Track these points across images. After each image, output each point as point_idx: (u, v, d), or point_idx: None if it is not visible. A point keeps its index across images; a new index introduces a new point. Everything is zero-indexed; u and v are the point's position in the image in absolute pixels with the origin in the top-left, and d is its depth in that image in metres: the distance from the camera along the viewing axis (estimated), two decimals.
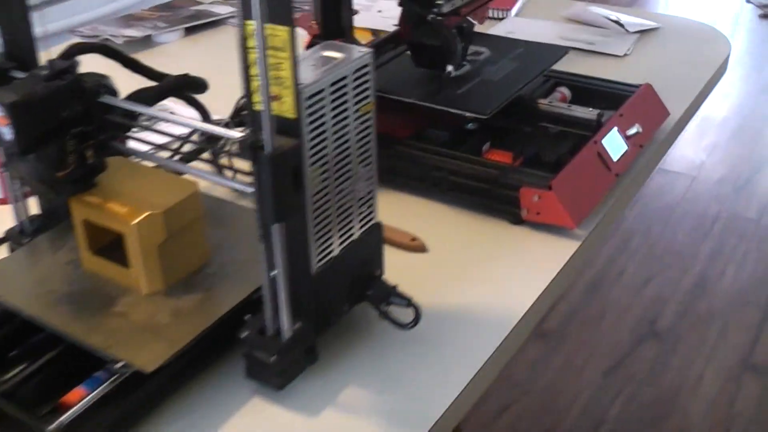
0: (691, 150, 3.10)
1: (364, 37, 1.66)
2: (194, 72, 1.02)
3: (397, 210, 1.14)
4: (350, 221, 0.87)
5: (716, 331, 2.33)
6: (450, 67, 1.08)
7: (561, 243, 1.07)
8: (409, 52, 1.23)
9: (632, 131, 1.18)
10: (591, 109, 1.18)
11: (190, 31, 1.78)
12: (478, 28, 1.40)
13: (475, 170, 1.10)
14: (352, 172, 0.86)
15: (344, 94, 0.82)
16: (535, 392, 2.17)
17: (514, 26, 1.67)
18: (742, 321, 2.36)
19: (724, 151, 3.14)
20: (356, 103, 0.84)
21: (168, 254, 0.87)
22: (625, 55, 1.54)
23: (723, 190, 2.90)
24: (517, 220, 1.09)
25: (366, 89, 0.85)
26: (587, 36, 1.60)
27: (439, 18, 1.13)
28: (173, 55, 1.70)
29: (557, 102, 1.21)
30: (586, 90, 1.30)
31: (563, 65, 1.36)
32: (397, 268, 0.99)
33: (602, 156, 1.13)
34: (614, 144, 1.16)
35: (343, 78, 0.81)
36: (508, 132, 1.20)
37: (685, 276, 2.52)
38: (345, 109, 0.83)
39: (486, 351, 0.91)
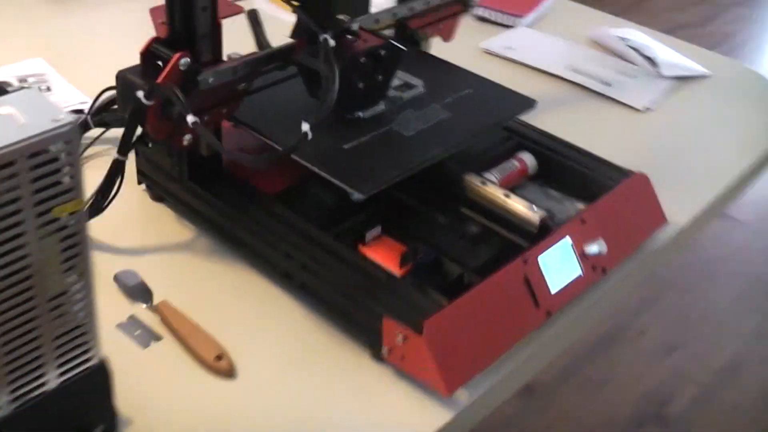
0: (762, 193, 2.63)
1: None
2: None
3: (230, 299, 0.82)
4: (38, 366, 0.56)
5: None
6: (305, 127, 0.73)
7: (431, 407, 0.72)
8: None
9: (593, 249, 0.82)
10: (535, 208, 0.82)
11: None
12: (444, 46, 1.05)
13: (336, 271, 0.77)
14: (39, 300, 0.54)
15: (14, 188, 0.50)
16: None
17: (518, 40, 1.29)
18: None
19: None
20: (41, 202, 0.51)
21: None
22: (647, 109, 1.15)
23: None
24: (378, 355, 0.75)
25: (64, 179, 0.52)
26: (606, 71, 1.21)
27: (331, 41, 0.78)
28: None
29: (493, 185, 0.85)
30: (558, 164, 0.94)
31: (549, 114, 1.00)
32: (179, 400, 0.71)
33: (531, 283, 0.77)
34: (559, 265, 0.80)
35: (10, 164, 0.49)
36: (412, 214, 0.85)
37: (717, 353, 2.12)
38: (17, 211, 0.50)
39: None
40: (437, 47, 1.05)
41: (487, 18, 1.36)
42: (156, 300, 0.80)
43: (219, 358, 0.74)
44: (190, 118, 0.73)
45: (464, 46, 1.27)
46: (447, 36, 1.04)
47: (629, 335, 2.16)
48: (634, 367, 2.08)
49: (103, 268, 0.84)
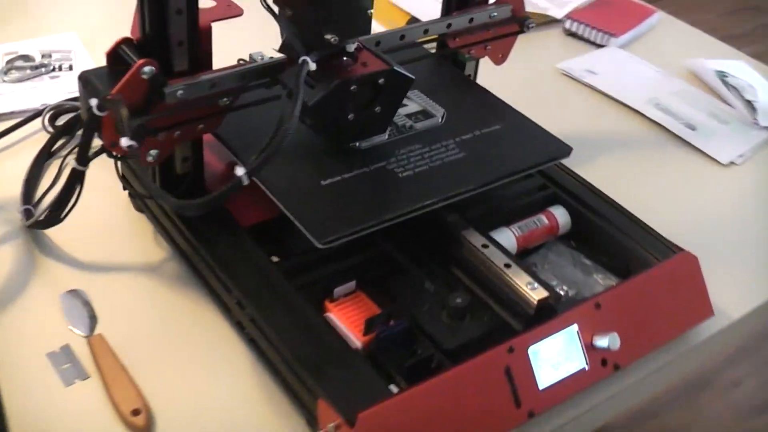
0: None
1: (402, 19, 1.20)
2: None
3: (180, 339, 0.72)
4: None
5: None
6: (239, 172, 0.61)
7: None
8: None
9: (601, 343, 0.68)
10: (536, 286, 0.68)
11: None
12: (513, 62, 0.90)
13: (283, 331, 0.66)
14: None
15: None
16: None
17: (603, 63, 1.13)
18: None
19: None
20: None
21: None
22: (731, 164, 0.97)
23: None
24: None
25: None
26: (693, 112, 1.04)
27: (312, 64, 0.67)
28: None
29: (496, 249, 0.71)
30: (595, 228, 0.79)
31: (613, 156, 0.87)
32: None
33: (514, 377, 0.64)
34: (558, 355, 0.66)
35: None
36: (397, 271, 0.73)
37: None
38: None
39: None
40: (506, 63, 0.91)
41: (576, 33, 1.20)
42: (99, 329, 0.72)
43: (136, 412, 0.65)
44: (125, 142, 0.63)
45: (540, 64, 1.13)
46: (498, 59, 0.89)
47: (719, 385, 1.95)
48: (719, 421, 1.87)
49: (56, 283, 0.76)
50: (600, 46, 1.18)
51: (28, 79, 1.01)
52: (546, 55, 1.16)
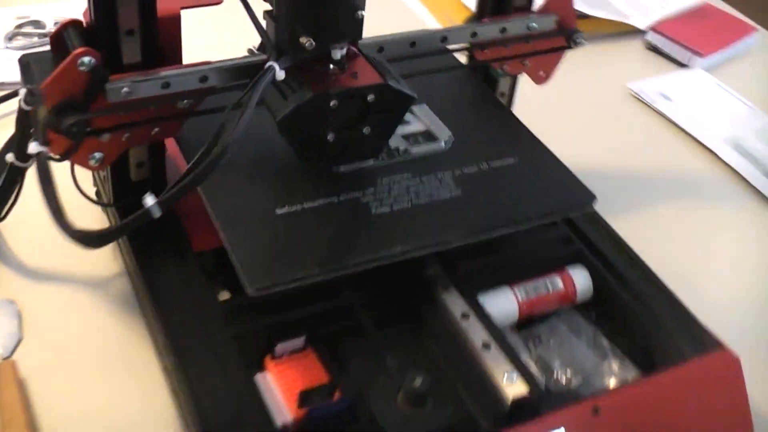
0: None
1: (461, 15, 1.07)
2: None
3: (107, 374, 0.62)
4: None
5: None
6: (149, 201, 0.50)
7: None
8: None
9: None
10: (516, 378, 0.54)
11: None
12: (533, 88, 0.76)
13: (196, 391, 0.54)
14: None
15: None
16: None
17: (682, 86, 0.96)
18: None
19: None
20: None
21: None
22: None
23: None
24: None
25: None
26: None
27: (280, 72, 0.55)
28: None
29: (477, 320, 0.58)
30: (621, 303, 0.65)
31: (670, 205, 0.75)
32: None
33: None
34: None
35: None
36: (358, 331, 0.61)
37: None
38: None
39: None
40: (558, 80, 0.76)
41: (658, 48, 1.04)
42: (21, 351, 0.63)
43: None
44: (33, 147, 0.53)
45: (608, 82, 0.98)
46: (539, 77, 0.75)
47: None
48: None
49: None
50: (683, 65, 1.02)
51: (33, 47, 0.93)
52: (618, 71, 1.00)
